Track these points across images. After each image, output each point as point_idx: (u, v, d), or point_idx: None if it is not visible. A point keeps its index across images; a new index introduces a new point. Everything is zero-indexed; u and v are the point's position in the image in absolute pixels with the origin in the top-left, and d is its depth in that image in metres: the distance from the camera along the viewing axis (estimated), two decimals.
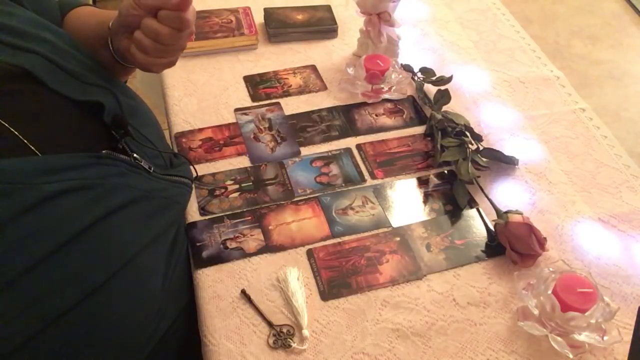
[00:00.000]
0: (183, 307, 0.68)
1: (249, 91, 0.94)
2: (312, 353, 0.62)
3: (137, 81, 1.19)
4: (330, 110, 0.91)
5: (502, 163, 0.82)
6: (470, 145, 0.82)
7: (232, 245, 0.71)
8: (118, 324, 0.56)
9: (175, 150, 0.84)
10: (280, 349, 0.62)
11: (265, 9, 1.08)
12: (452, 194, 0.78)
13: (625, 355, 0.61)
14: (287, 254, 0.71)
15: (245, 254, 0.71)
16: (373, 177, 0.81)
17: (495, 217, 0.73)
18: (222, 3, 1.10)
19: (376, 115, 0.91)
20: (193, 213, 0.75)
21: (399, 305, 0.66)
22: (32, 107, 0.56)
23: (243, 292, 0.67)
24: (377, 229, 0.74)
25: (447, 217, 0.76)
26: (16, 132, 0.51)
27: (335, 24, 1.06)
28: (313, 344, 0.63)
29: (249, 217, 0.75)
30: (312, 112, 0.91)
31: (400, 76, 0.94)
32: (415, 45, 1.05)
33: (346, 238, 0.73)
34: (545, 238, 0.70)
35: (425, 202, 0.78)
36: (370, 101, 0.93)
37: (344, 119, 0.90)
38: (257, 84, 0.96)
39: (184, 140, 0.86)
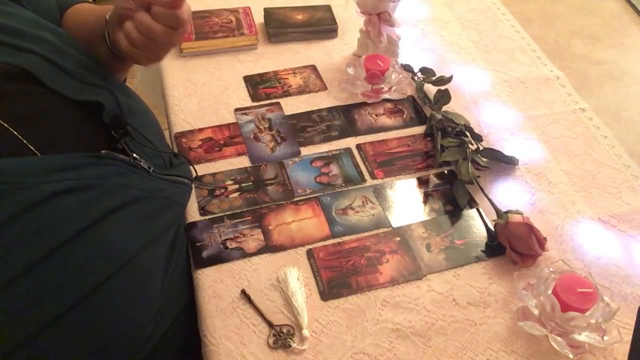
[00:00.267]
0: (183, 307, 0.68)
1: (249, 91, 0.94)
2: (312, 353, 0.62)
3: (137, 81, 1.19)
4: (330, 110, 0.91)
5: (502, 163, 0.82)
6: (470, 145, 0.82)
7: (232, 245, 0.71)
8: (117, 323, 0.56)
9: (175, 150, 0.84)
10: (280, 349, 0.62)
11: (265, 9, 1.08)
12: (452, 194, 0.78)
13: (625, 355, 0.61)
14: (287, 254, 0.71)
15: (245, 254, 0.71)
16: (373, 177, 0.81)
17: (495, 217, 0.73)
18: (222, 3, 1.10)
19: (376, 115, 0.91)
20: (193, 213, 0.75)
21: (399, 305, 0.66)
22: (31, 107, 0.56)
23: (243, 292, 0.67)
24: (377, 229, 0.74)
25: (447, 217, 0.76)
26: (15, 132, 0.51)
27: (335, 24, 1.06)
28: (313, 344, 0.62)
29: (249, 217, 0.75)
30: (312, 112, 0.91)
31: (400, 76, 0.94)
32: (415, 45, 1.05)
33: (346, 238, 0.73)
34: (545, 238, 0.70)
35: (425, 202, 0.78)
36: (370, 101, 0.93)
37: (344, 119, 0.90)
38: (257, 84, 0.96)
39: (184, 140, 0.86)
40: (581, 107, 0.93)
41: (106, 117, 0.61)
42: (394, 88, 0.93)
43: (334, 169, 0.82)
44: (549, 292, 0.61)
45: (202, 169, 0.81)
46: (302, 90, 0.95)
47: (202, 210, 0.76)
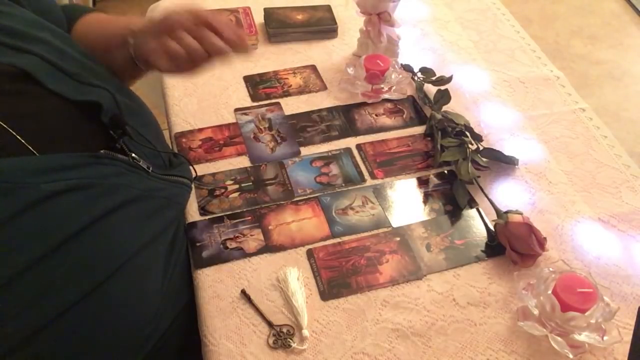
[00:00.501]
0: (182, 307, 0.68)
1: (249, 91, 0.94)
2: (312, 353, 0.62)
3: (137, 81, 1.19)
4: (330, 110, 0.91)
5: (502, 163, 0.82)
6: (470, 145, 0.82)
7: (232, 245, 0.71)
8: (117, 323, 0.56)
9: (176, 150, 0.84)
10: (280, 349, 0.62)
11: (265, 9, 1.08)
12: (452, 194, 0.78)
13: (625, 355, 0.61)
14: (287, 254, 0.71)
15: (245, 254, 0.71)
16: (373, 177, 0.81)
17: (495, 217, 0.73)
18: (222, 3, 1.10)
19: (376, 115, 0.91)
20: (193, 213, 0.75)
21: (399, 305, 0.66)
22: (30, 107, 0.56)
23: (243, 292, 0.67)
24: (377, 229, 0.74)
25: (447, 217, 0.76)
26: (14, 132, 0.51)
27: (335, 24, 1.06)
28: (313, 344, 0.62)
29: (249, 217, 0.75)
30: (312, 112, 0.91)
31: (400, 76, 0.94)
32: (415, 45, 1.05)
33: (346, 238, 0.73)
34: (545, 238, 0.70)
35: (425, 202, 0.78)
36: (370, 101, 0.93)
37: (344, 119, 0.90)
38: (257, 84, 0.96)
39: (184, 140, 0.86)
40: (581, 107, 0.93)
41: (105, 117, 0.61)
42: (394, 88, 0.93)
43: (334, 169, 0.82)
44: (549, 292, 0.61)
45: (202, 169, 0.81)
46: (302, 90, 0.95)
47: (202, 210, 0.76)
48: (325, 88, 0.95)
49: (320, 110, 0.91)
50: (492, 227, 0.74)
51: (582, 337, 0.60)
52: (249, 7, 1.08)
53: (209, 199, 0.77)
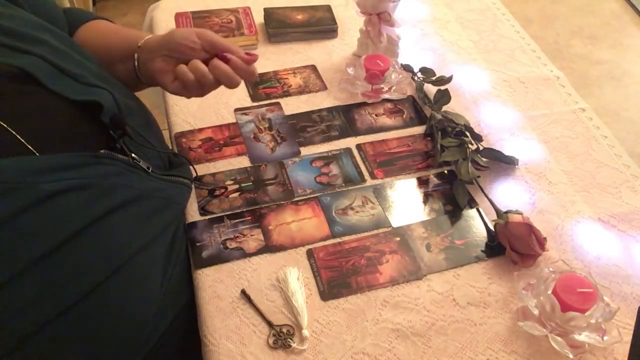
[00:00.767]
0: (182, 307, 0.68)
1: (249, 91, 0.94)
2: (312, 353, 0.62)
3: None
4: (330, 110, 0.91)
5: (502, 163, 0.82)
6: (470, 145, 0.82)
7: (232, 245, 0.71)
8: (116, 323, 0.56)
9: (176, 150, 0.84)
10: (280, 349, 0.62)
11: (265, 9, 1.08)
12: (452, 194, 0.78)
13: (625, 355, 0.61)
14: (287, 254, 0.71)
15: (245, 254, 0.71)
16: (373, 177, 0.81)
17: (495, 217, 0.73)
18: (222, 3, 1.10)
19: (376, 115, 0.91)
20: (193, 213, 0.75)
21: (399, 305, 0.66)
22: (30, 107, 0.56)
23: (243, 292, 0.67)
24: (377, 229, 0.74)
25: (447, 217, 0.76)
26: (14, 132, 0.51)
27: (335, 24, 1.06)
28: (313, 344, 0.62)
29: (249, 217, 0.75)
30: (312, 112, 0.91)
31: (400, 76, 0.94)
32: (415, 45, 1.05)
33: (346, 238, 0.73)
34: (545, 238, 0.70)
35: (425, 202, 0.78)
36: (370, 101, 0.93)
37: (344, 119, 0.90)
38: (257, 84, 0.96)
39: (184, 140, 0.86)
40: (581, 107, 0.93)
41: (105, 117, 0.61)
42: (394, 88, 0.93)
43: (334, 169, 0.82)
44: (549, 292, 0.61)
45: (202, 169, 0.81)
46: (302, 90, 0.95)
47: (202, 210, 0.76)
48: (325, 88, 0.96)
49: (320, 110, 0.91)
50: (492, 227, 0.74)
51: (582, 337, 0.60)
52: (249, 7, 1.08)
53: (209, 199, 0.77)
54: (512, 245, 0.69)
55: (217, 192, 0.78)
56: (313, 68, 0.99)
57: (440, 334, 0.64)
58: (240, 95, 0.94)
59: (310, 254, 0.71)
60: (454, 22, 1.12)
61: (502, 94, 0.95)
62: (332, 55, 1.02)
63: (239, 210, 0.76)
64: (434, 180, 0.81)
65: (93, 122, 0.61)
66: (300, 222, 0.74)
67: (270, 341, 0.62)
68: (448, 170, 0.82)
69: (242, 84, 0.95)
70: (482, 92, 0.96)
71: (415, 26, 1.10)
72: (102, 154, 0.58)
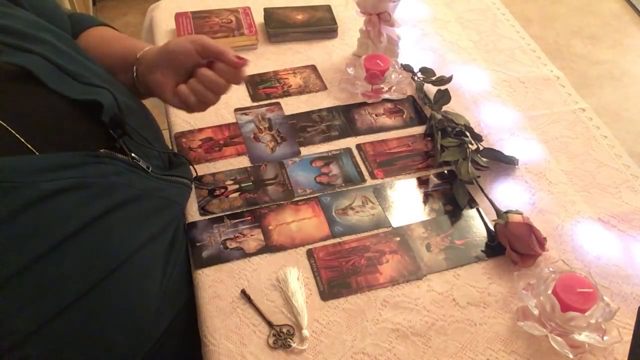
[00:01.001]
0: (182, 307, 0.68)
1: (249, 91, 0.94)
2: (312, 353, 0.62)
3: None
4: (330, 110, 0.91)
5: (502, 163, 0.82)
6: (470, 145, 0.82)
7: (232, 245, 0.71)
8: (116, 322, 0.56)
9: (175, 150, 0.84)
10: (280, 349, 0.62)
11: (265, 9, 1.08)
12: (452, 194, 0.78)
13: (625, 355, 0.61)
14: (287, 254, 0.71)
15: (245, 254, 0.71)
16: (373, 177, 0.81)
17: (495, 217, 0.73)
18: (222, 3, 1.10)
19: (376, 115, 0.91)
20: (193, 213, 0.75)
21: (399, 305, 0.66)
22: (30, 106, 0.56)
23: (243, 292, 0.67)
24: (377, 229, 0.74)
25: (447, 217, 0.76)
26: (14, 132, 0.51)
27: (335, 24, 1.06)
28: (313, 344, 0.62)
29: (249, 217, 0.75)
30: (312, 112, 0.91)
31: (400, 76, 0.94)
32: (415, 45, 1.05)
33: (346, 238, 0.73)
34: (545, 238, 0.70)
35: (425, 202, 0.78)
36: (370, 101, 0.93)
37: (344, 119, 0.90)
38: (257, 84, 0.96)
39: (184, 140, 0.86)
40: (581, 107, 0.93)
41: (105, 116, 0.61)
42: (394, 88, 0.93)
43: (334, 169, 0.82)
44: (549, 292, 0.61)
45: (202, 169, 0.81)
46: (302, 90, 0.95)
47: (202, 210, 0.76)
48: (325, 88, 0.95)
49: (320, 110, 0.91)
50: (492, 227, 0.74)
51: (582, 337, 0.60)
52: (249, 7, 1.08)
53: (209, 199, 0.77)
54: (512, 245, 0.69)
55: (217, 192, 0.78)
56: (313, 68, 0.99)
57: (440, 334, 0.64)
58: (240, 95, 0.93)
59: (310, 254, 0.71)
60: (454, 22, 1.12)
61: (502, 94, 0.95)
62: (332, 55, 1.02)
63: (239, 210, 0.76)
64: (434, 180, 0.81)
65: (93, 121, 0.61)
66: (300, 222, 0.74)
67: (270, 341, 0.62)
68: (448, 170, 0.82)
69: (242, 85, 0.95)
70: (482, 92, 0.96)
71: (415, 26, 1.10)
72: (102, 153, 0.58)
